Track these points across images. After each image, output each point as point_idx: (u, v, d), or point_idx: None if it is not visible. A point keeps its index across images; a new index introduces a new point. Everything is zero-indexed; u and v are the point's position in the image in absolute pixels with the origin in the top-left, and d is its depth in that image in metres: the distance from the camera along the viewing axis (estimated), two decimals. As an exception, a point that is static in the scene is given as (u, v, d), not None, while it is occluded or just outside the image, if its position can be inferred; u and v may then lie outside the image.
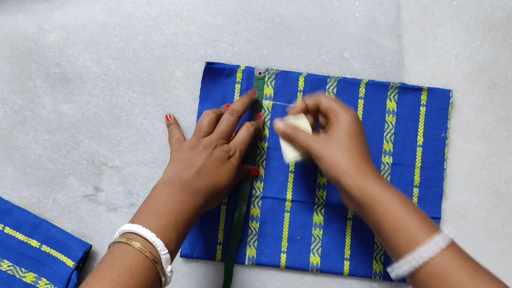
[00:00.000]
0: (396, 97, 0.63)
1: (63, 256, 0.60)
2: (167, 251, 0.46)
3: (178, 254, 0.62)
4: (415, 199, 0.62)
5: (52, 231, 0.61)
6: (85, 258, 0.61)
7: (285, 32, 0.64)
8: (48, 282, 0.59)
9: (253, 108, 0.63)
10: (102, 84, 0.63)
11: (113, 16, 0.64)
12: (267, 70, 0.63)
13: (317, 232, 0.62)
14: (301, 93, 0.63)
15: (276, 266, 0.62)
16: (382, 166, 0.63)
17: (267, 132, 0.63)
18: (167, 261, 0.47)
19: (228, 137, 0.58)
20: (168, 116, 0.62)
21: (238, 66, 0.63)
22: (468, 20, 0.64)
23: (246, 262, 0.62)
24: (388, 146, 0.63)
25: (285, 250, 0.62)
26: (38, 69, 0.64)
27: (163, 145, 0.63)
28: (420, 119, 0.63)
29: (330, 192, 0.62)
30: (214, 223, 0.62)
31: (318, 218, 0.62)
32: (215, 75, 0.63)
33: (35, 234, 0.60)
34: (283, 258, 0.62)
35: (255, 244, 0.62)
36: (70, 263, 0.59)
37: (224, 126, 0.58)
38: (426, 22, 0.64)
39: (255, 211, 0.62)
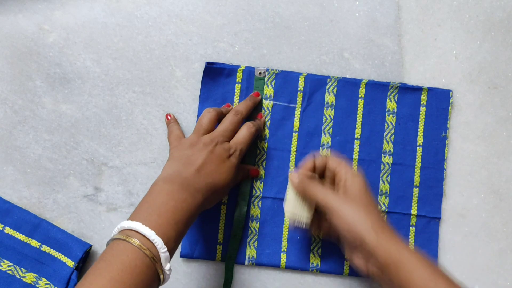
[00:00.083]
0: (396, 97, 0.63)
1: (63, 256, 0.60)
2: (166, 249, 0.46)
3: (178, 254, 0.62)
4: (415, 199, 0.62)
5: (52, 231, 0.61)
6: (85, 258, 0.61)
7: (285, 32, 0.64)
8: (48, 282, 0.59)
9: (254, 108, 0.63)
10: (102, 84, 0.63)
11: (113, 16, 0.64)
12: (267, 70, 0.63)
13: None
14: (301, 93, 0.63)
15: (276, 266, 0.62)
16: (382, 166, 0.63)
17: (267, 132, 0.63)
18: (166, 259, 0.46)
19: (230, 136, 0.58)
20: (168, 115, 0.62)
21: (238, 66, 0.63)
22: (468, 20, 0.64)
23: (246, 262, 0.62)
24: (388, 146, 0.63)
25: (285, 250, 0.62)
26: (38, 69, 0.64)
27: (163, 145, 0.63)
28: (420, 119, 0.63)
29: (330, 192, 0.62)
30: (214, 223, 0.62)
31: (318, 218, 0.62)
32: (215, 75, 0.63)
33: (35, 234, 0.60)
34: (283, 258, 0.62)
35: (255, 244, 0.62)
36: (70, 263, 0.59)
37: (227, 125, 0.58)
38: (426, 22, 0.64)
39: (255, 211, 0.62)
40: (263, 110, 0.63)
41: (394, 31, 0.64)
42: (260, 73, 0.63)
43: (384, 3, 0.64)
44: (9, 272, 0.59)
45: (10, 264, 0.60)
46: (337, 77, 0.63)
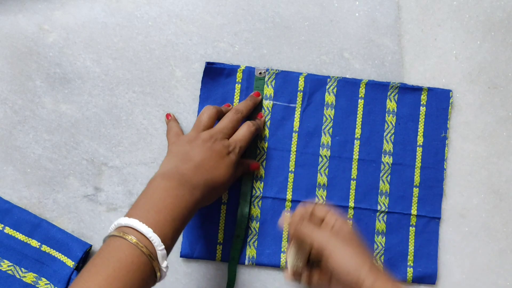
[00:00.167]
0: (396, 97, 0.63)
1: (63, 256, 0.60)
2: (163, 246, 0.46)
3: (178, 254, 0.62)
4: (415, 199, 0.62)
5: (52, 231, 0.61)
6: (85, 258, 0.61)
7: (285, 32, 0.64)
8: (48, 282, 0.59)
9: (254, 108, 0.63)
10: (102, 84, 0.63)
11: (113, 16, 0.64)
12: (267, 70, 0.63)
13: (317, 232, 0.62)
14: (301, 93, 0.63)
15: (276, 266, 0.62)
16: (382, 166, 0.63)
17: (267, 132, 0.63)
18: (163, 256, 0.46)
19: (229, 134, 0.58)
20: (168, 115, 0.62)
21: (238, 66, 0.63)
22: (468, 20, 0.64)
23: (246, 262, 0.62)
24: (388, 146, 0.63)
25: (285, 250, 0.62)
26: (38, 69, 0.64)
27: (163, 145, 0.63)
28: (420, 119, 0.63)
29: (330, 192, 0.62)
30: (214, 223, 0.62)
31: (318, 218, 0.62)
32: (215, 75, 0.63)
33: (35, 234, 0.60)
34: (283, 258, 0.62)
35: (255, 244, 0.62)
36: (70, 263, 0.59)
37: (227, 123, 0.58)
38: (426, 22, 0.64)
39: (255, 211, 0.62)
40: (263, 110, 0.63)
41: (394, 31, 0.64)
42: (260, 73, 0.63)
43: (384, 3, 0.64)
44: (9, 272, 0.59)
45: (10, 264, 0.60)
46: (337, 77, 0.63)
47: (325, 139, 0.63)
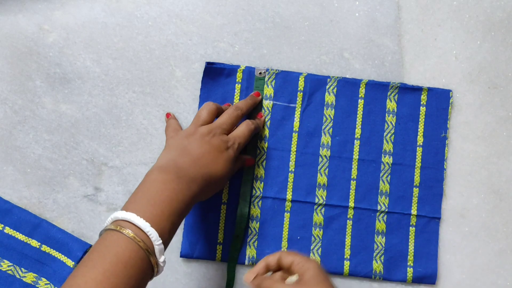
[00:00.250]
0: (396, 97, 0.63)
1: (63, 256, 0.60)
2: (161, 241, 0.46)
3: (178, 254, 0.62)
4: (415, 199, 0.62)
5: (52, 231, 0.61)
6: (85, 258, 0.61)
7: (285, 32, 0.64)
8: (48, 282, 0.59)
9: (254, 108, 0.63)
10: (102, 84, 0.63)
11: (113, 16, 0.64)
12: (267, 70, 0.63)
13: (317, 232, 0.62)
14: (301, 93, 0.63)
15: (276, 266, 0.62)
16: (382, 166, 0.63)
17: (267, 132, 0.63)
18: (160, 251, 0.46)
19: (228, 130, 0.57)
20: (168, 114, 0.62)
21: (238, 66, 0.63)
22: (468, 20, 0.64)
23: (246, 262, 0.62)
24: (388, 146, 0.63)
25: (285, 250, 0.62)
26: (38, 69, 0.64)
27: (163, 145, 0.63)
28: (420, 119, 0.63)
29: (330, 192, 0.62)
30: (214, 223, 0.62)
31: (318, 218, 0.62)
32: (215, 75, 0.63)
33: (35, 234, 0.60)
34: (283, 258, 0.62)
35: (255, 244, 0.62)
36: (70, 263, 0.59)
37: (226, 118, 0.57)
38: (426, 22, 0.64)
39: (255, 211, 0.62)
40: (263, 110, 0.63)
41: (394, 31, 0.64)
42: (260, 73, 0.63)
43: (384, 3, 0.64)
44: (9, 272, 0.59)
45: (10, 264, 0.60)
46: (337, 77, 0.63)
47: (325, 139, 0.63)
